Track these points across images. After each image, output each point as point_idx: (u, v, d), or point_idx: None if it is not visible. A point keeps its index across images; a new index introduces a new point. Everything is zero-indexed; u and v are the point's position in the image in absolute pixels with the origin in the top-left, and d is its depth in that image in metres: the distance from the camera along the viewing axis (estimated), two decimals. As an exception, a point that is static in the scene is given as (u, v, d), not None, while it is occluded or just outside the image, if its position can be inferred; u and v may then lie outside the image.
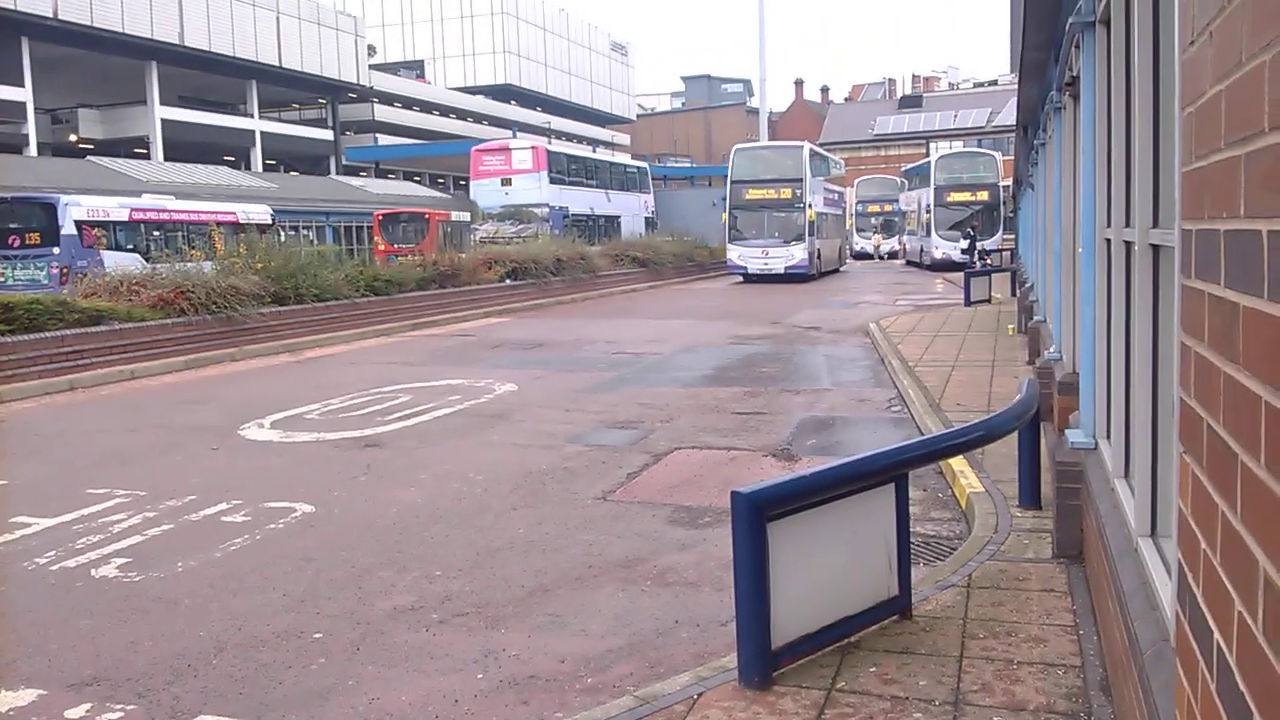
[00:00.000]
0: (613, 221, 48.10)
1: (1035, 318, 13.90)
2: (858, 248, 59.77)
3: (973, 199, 43.87)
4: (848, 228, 60.67)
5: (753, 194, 39.69)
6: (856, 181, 63.50)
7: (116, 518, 7.54)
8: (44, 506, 7.82)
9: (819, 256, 40.39)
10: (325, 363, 17.33)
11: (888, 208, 61.00)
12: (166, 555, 6.66)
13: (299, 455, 9.85)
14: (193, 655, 5.08)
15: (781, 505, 4.29)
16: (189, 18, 47.56)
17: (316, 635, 5.32)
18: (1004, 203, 43.86)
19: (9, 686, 4.75)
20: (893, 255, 58.95)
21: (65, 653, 5.14)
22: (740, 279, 39.61)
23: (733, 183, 40.24)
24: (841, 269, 46.88)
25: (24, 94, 41.71)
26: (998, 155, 46.89)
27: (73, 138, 49.72)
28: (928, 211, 45.05)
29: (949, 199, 44.08)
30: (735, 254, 39.51)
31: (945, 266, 41.80)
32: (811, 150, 41.83)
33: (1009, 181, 42.09)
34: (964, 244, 39.96)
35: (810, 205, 38.88)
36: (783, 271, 38.14)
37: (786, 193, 39.41)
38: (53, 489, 8.40)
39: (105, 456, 9.90)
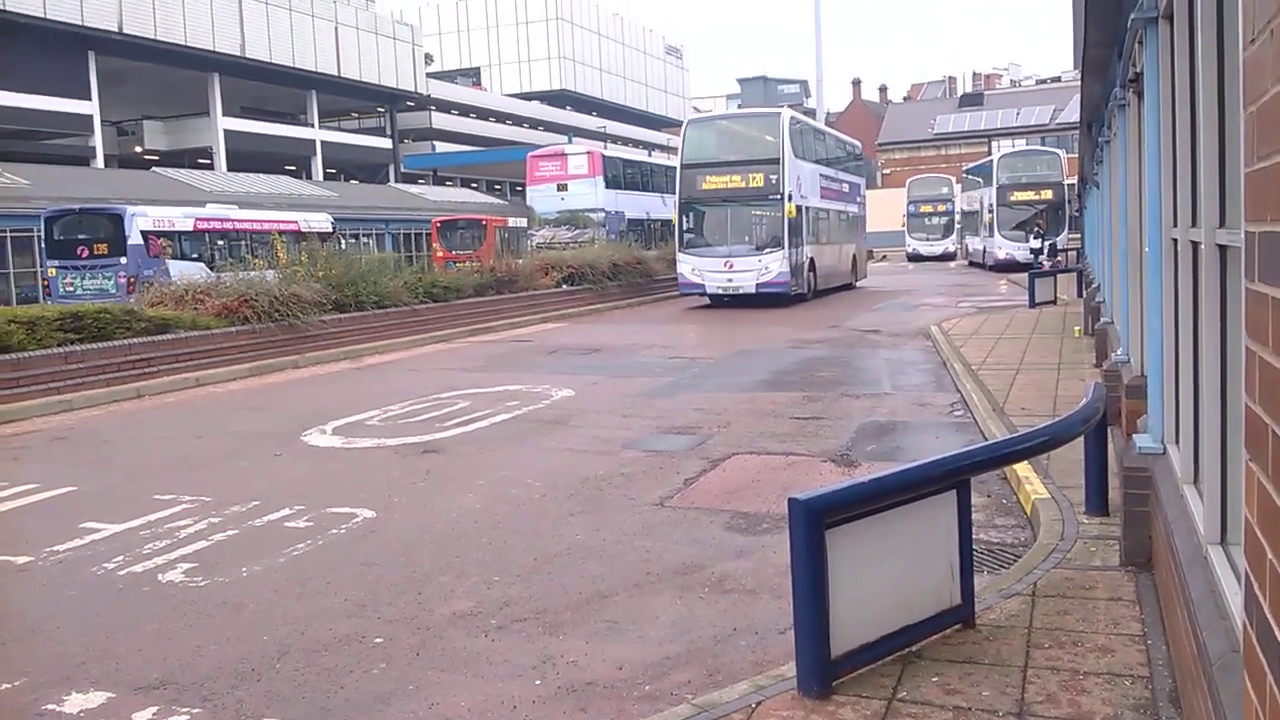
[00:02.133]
0: (668, 225, 48.03)
1: (1102, 319, 13.63)
2: (910, 249, 57.92)
3: (1036, 198, 43.06)
4: (901, 228, 59.58)
5: (711, 182, 28.82)
6: (909, 181, 62.47)
7: (182, 523, 7.68)
8: (112, 512, 7.98)
9: (811, 269, 29.93)
10: (385, 369, 17.53)
11: (941, 208, 58.51)
12: (231, 560, 6.77)
13: (360, 461, 9.96)
14: (256, 659, 5.15)
15: (840, 512, 4.24)
16: (250, 30, 48.41)
17: (377, 640, 5.36)
18: (1068, 201, 43.10)
19: (79, 688, 4.85)
20: (947, 256, 56.79)
21: (132, 656, 5.24)
22: (705, 301, 29.71)
23: (684, 167, 29.34)
24: (858, 283, 36.15)
25: (91, 107, 42.72)
26: (1061, 153, 46.00)
27: (138, 149, 50.81)
28: (990, 211, 44.31)
29: (1012, 198, 43.30)
30: (688, 267, 28.84)
31: (1009, 267, 41.11)
32: (794, 119, 30.24)
33: (1073, 180, 41.44)
34: (1035, 243, 39.04)
35: (791, 197, 28.05)
36: (754, 291, 27.94)
37: (757, 179, 28.44)
38: (121, 495, 8.58)
39: (172, 463, 10.09)
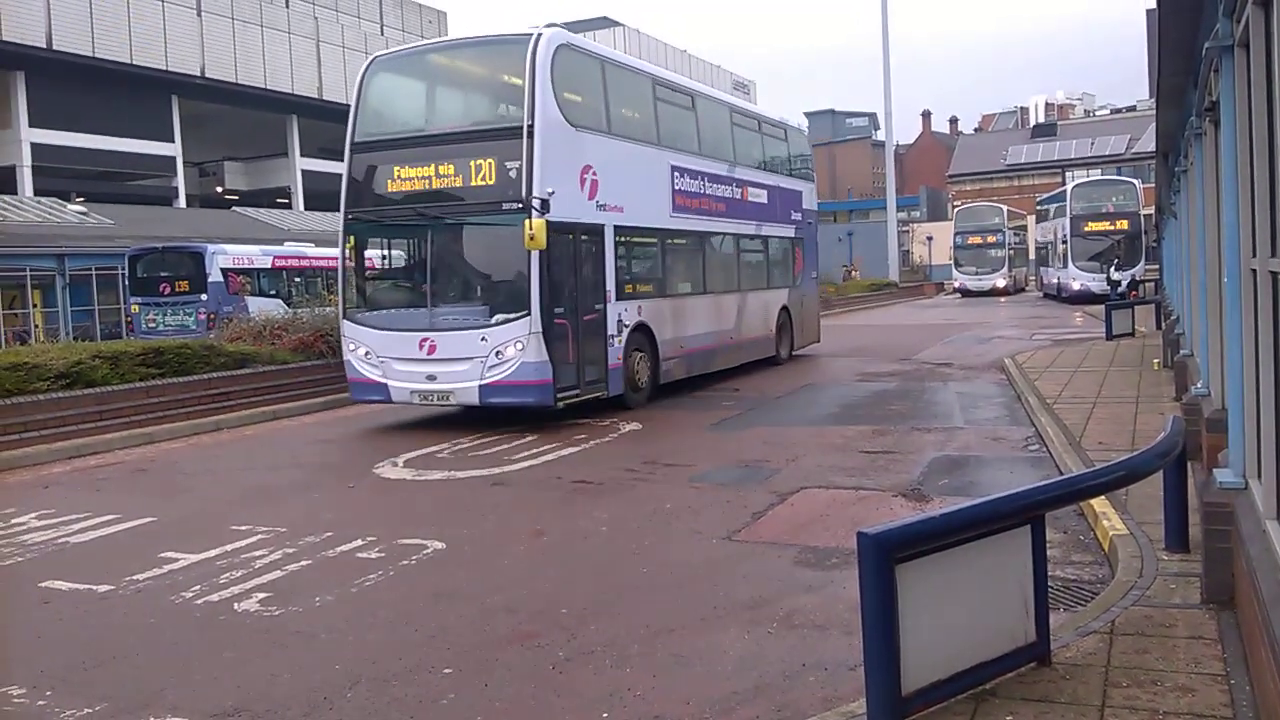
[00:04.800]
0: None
1: (1181, 351, 13.34)
2: (958, 284, 55.25)
3: (1112, 229, 42.19)
4: (948, 260, 57.36)
5: (402, 178, 14.43)
6: (955, 211, 61.27)
7: (258, 553, 7.83)
8: (190, 542, 8.16)
9: (642, 347, 15.84)
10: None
11: (991, 239, 55.18)
12: (305, 590, 6.87)
13: (430, 493, 10.07)
14: (329, 688, 5.22)
15: (910, 547, 4.19)
16: (327, 73, 49.60)
17: (446, 671, 5.40)
18: (1145, 232, 42.23)
19: (157, 714, 4.96)
20: (999, 291, 53.52)
21: (208, 684, 5.34)
22: None
23: (354, 148, 14.90)
24: (798, 351, 22.71)
25: (174, 149, 44.15)
26: (1137, 183, 45.13)
27: (219, 189, 52.21)
28: (1064, 242, 43.51)
29: (1086, 229, 42.46)
30: (359, 350, 14.49)
31: (1084, 299, 40.30)
32: (569, 48, 14.59)
33: (1150, 210, 40.66)
34: (1115, 275, 38.12)
35: (546, 206, 13.06)
36: (477, 401, 13.67)
37: (483, 170, 13.73)
38: (198, 525, 8.77)
39: (248, 494, 10.30)
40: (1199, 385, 9.13)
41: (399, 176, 14.26)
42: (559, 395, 13.50)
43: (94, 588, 7.10)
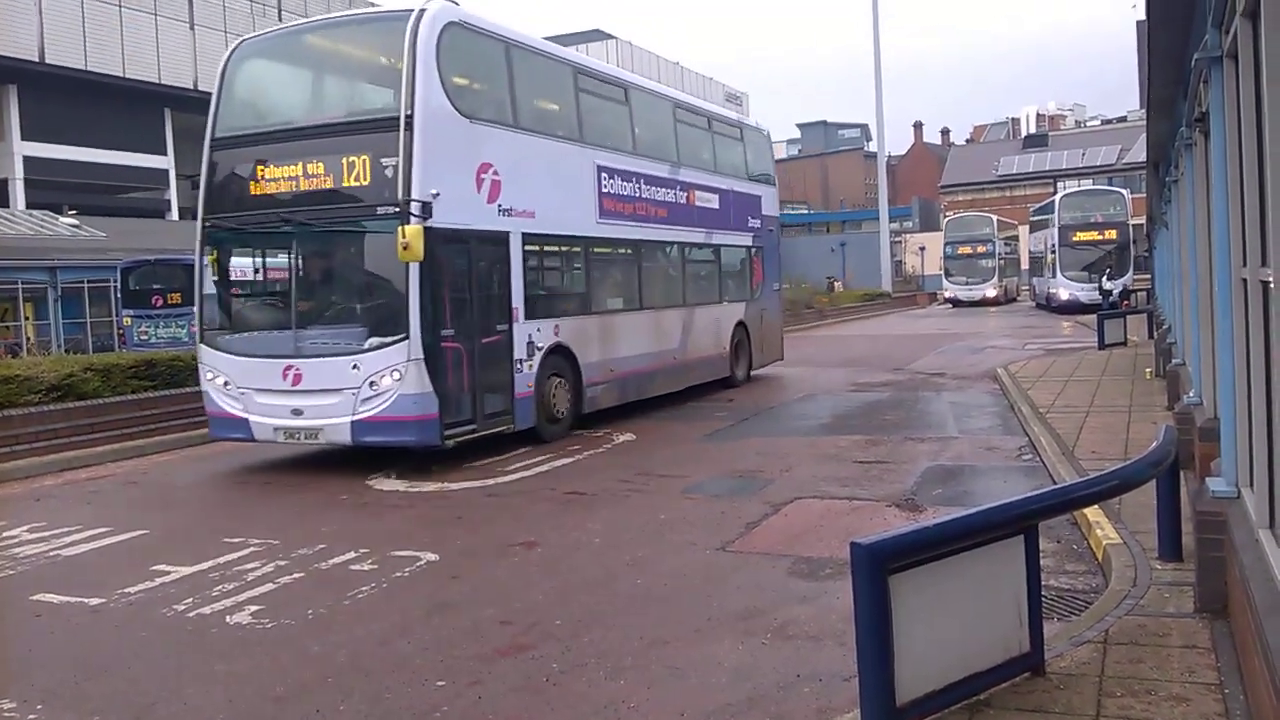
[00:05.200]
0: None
1: (1174, 361, 13.38)
2: (948, 294, 55.01)
3: (1100, 238, 42.22)
4: (940, 270, 57.25)
5: (268, 179, 12.22)
6: (946, 221, 61.20)
7: (250, 565, 7.80)
8: (182, 555, 8.13)
9: (562, 373, 13.89)
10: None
11: (981, 248, 54.58)
12: (297, 602, 6.85)
13: (424, 504, 10.05)
14: (321, 701, 5.20)
15: (904, 557, 4.19)
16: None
17: (440, 683, 5.39)
18: (1134, 242, 42.28)
19: (149, 730, 4.93)
20: (989, 301, 53.10)
21: (200, 697, 5.32)
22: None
23: (214, 144, 12.92)
24: (757, 371, 20.66)
25: (167, 162, 44.16)
26: (1126, 192, 45.19)
27: (213, 202, 52.11)
28: (1052, 252, 43.60)
29: (1074, 239, 42.46)
30: (217, 380, 12.35)
31: (1072, 309, 40.34)
32: (459, 25, 12.28)
33: (1140, 220, 40.81)
34: (1108, 284, 38.15)
35: (427, 211, 11.08)
36: (349, 440, 11.68)
37: (355, 168, 11.68)
38: (190, 538, 8.73)
39: (240, 506, 10.27)
40: (1191, 394, 9.15)
41: (264, 177, 12.13)
42: (448, 432, 11.52)
43: (86, 601, 7.07)
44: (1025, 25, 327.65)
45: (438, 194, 11.20)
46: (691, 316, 17.77)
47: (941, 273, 56.91)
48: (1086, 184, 61.42)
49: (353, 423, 11.40)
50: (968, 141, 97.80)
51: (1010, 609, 4.63)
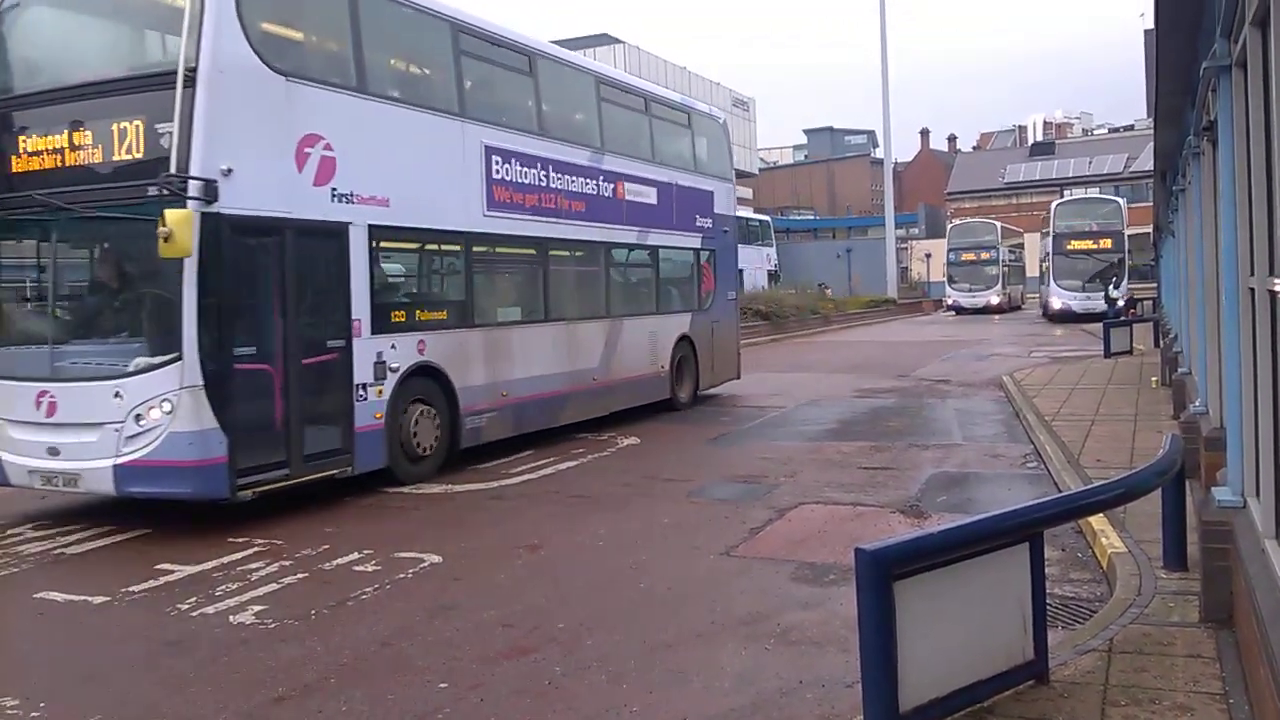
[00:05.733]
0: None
1: (1180, 369, 13.36)
2: (950, 301, 53.97)
3: (1095, 247, 41.95)
4: (939, 278, 56.67)
5: (25, 161, 9.65)
6: (949, 227, 60.75)
7: (254, 565, 7.81)
8: (186, 554, 8.14)
9: (430, 396, 11.29)
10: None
11: (985, 255, 53.32)
12: (301, 602, 6.85)
13: (428, 506, 10.05)
14: (324, 701, 5.20)
15: (908, 564, 4.18)
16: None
17: (442, 685, 5.39)
18: (1128, 251, 42.03)
19: (152, 729, 4.94)
20: (992, 309, 51.94)
21: (204, 696, 5.32)
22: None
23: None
24: (713, 390, 18.52)
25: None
26: (1122, 201, 44.94)
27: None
28: (1046, 260, 43.45)
29: (1068, 247, 42.22)
30: None
31: (1066, 318, 40.21)
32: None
33: (1147, 229, 40.67)
34: (1113, 293, 38.02)
35: (204, 190, 8.65)
36: (113, 489, 8.95)
37: (130, 130, 9.10)
38: (194, 537, 8.73)
39: (243, 506, 10.26)
40: (1197, 403, 9.13)
41: (26, 150, 9.61)
42: (244, 481, 8.97)
43: (90, 599, 7.08)
44: (1033, 33, 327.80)
45: (230, 170, 8.79)
46: (618, 330, 15.17)
47: (945, 279, 56.59)
48: (1094, 193, 61.26)
49: (115, 468, 8.76)
50: (974, 149, 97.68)
51: (1014, 616, 4.62)
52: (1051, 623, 5.35)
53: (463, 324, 11.83)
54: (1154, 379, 17.40)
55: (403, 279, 11.89)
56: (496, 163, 12.46)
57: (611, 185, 15.07)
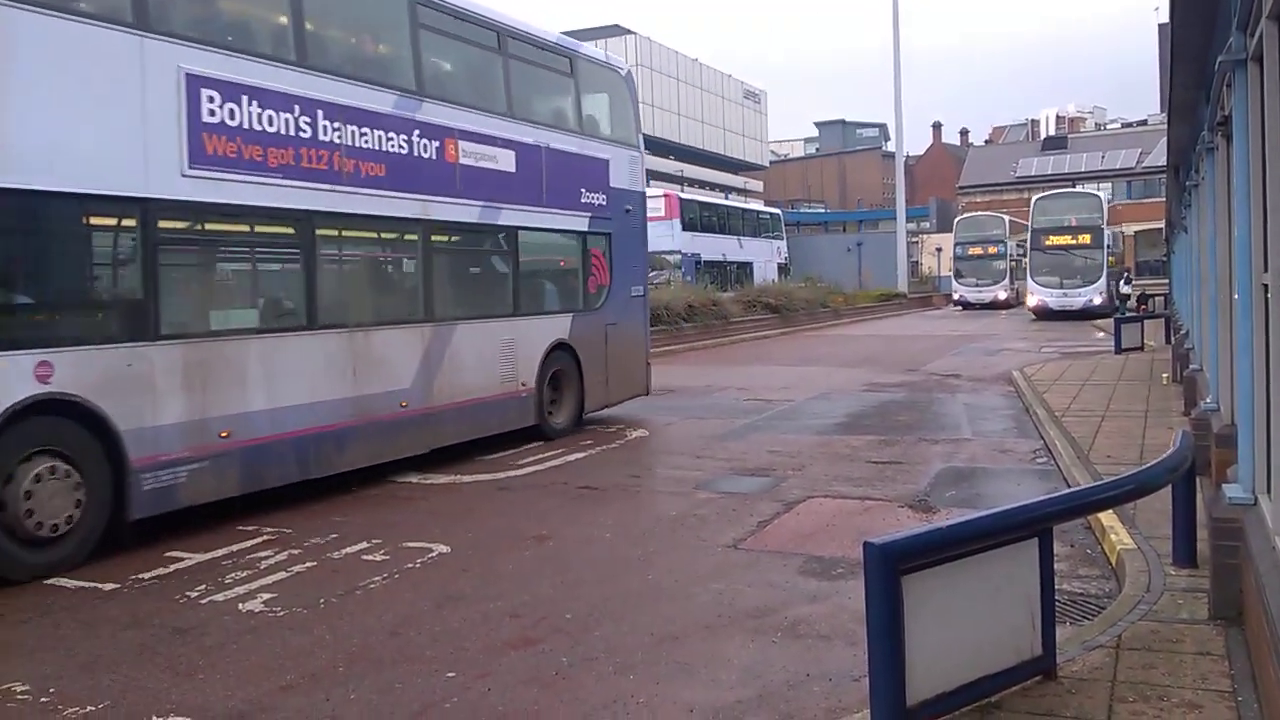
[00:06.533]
0: (745, 268, 48.11)
1: (1191, 366, 13.31)
2: (957, 296, 53.19)
3: (1073, 242, 41.53)
4: (947, 272, 56.18)
5: None
6: (955, 221, 60.23)
7: (264, 554, 7.83)
8: (196, 543, 8.17)
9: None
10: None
11: (992, 249, 52.27)
12: (309, 591, 6.87)
13: (436, 496, 10.07)
14: (331, 689, 5.22)
15: (917, 558, 4.17)
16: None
17: (449, 674, 5.40)
18: (1105, 246, 41.53)
19: (159, 714, 4.95)
20: (999, 304, 51.06)
21: (213, 683, 5.34)
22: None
23: None
24: (607, 411, 15.04)
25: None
26: (1102, 195, 44.42)
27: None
28: (1024, 256, 43.15)
29: (1046, 243, 41.79)
30: None
31: (1044, 314, 39.96)
32: None
33: (1159, 224, 40.43)
34: (1125, 289, 37.74)
35: None
36: None
37: None
38: (204, 525, 8.76)
39: (254, 495, 10.29)
40: (1208, 400, 9.10)
41: None
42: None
43: (99, 586, 7.11)
44: (1046, 27, 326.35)
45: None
46: (446, 339, 11.48)
47: (951, 274, 56.25)
48: (1106, 188, 60.90)
49: None
50: (986, 142, 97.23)
51: (1022, 612, 4.61)
52: (1060, 619, 5.34)
53: (137, 335, 8.15)
54: (1165, 375, 17.34)
55: (9, 268, 7.69)
56: (209, 100, 8.78)
57: (435, 143, 11.31)
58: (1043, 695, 4.55)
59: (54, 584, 7.17)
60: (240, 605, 6.63)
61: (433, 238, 11.46)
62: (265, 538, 8.32)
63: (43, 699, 5.17)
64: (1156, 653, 5.04)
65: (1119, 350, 23.12)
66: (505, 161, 12.47)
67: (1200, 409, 9.34)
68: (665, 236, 42.28)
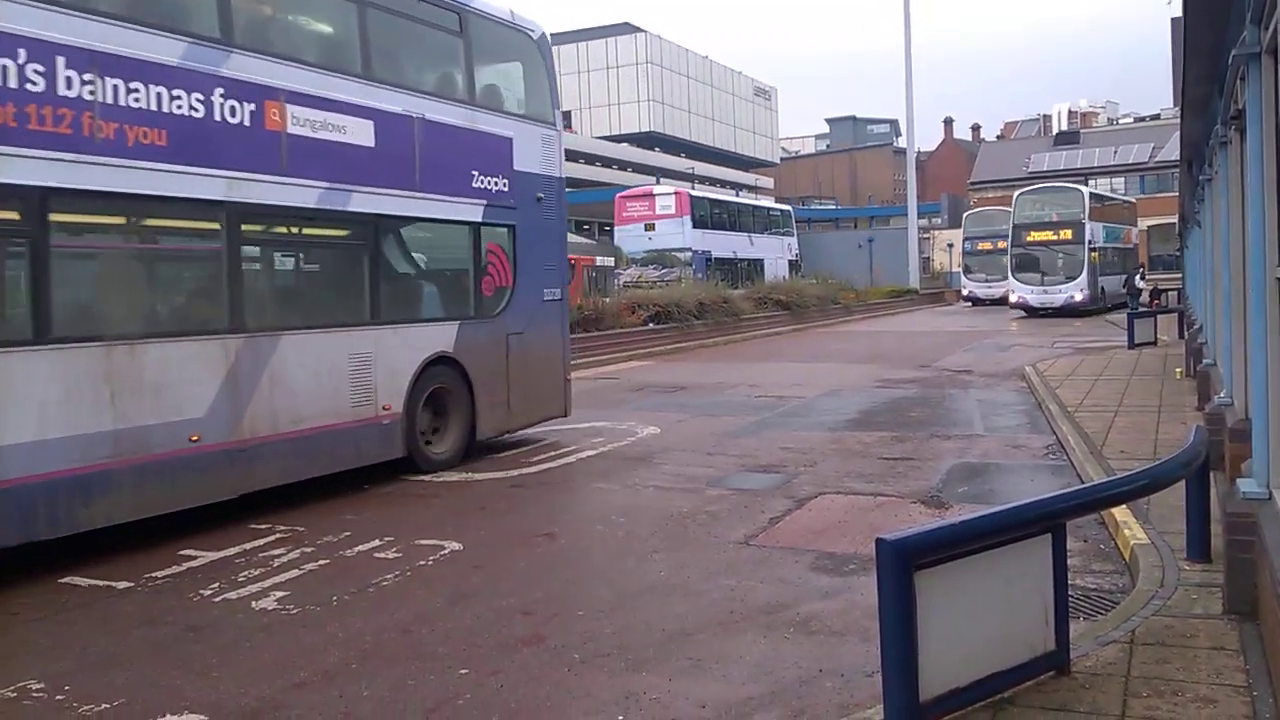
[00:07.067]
0: (756, 265, 48.04)
1: (1204, 361, 13.24)
2: (966, 291, 52.29)
3: (1054, 238, 41.13)
4: (958, 268, 55.63)
5: None
6: (965, 216, 59.64)
7: (276, 552, 7.86)
8: (209, 540, 8.20)
9: None
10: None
11: (1002, 245, 49.30)
12: (322, 589, 6.89)
13: (448, 494, 10.09)
14: (344, 686, 5.23)
15: (929, 554, 4.16)
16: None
17: (462, 671, 5.41)
18: (1087, 242, 41.00)
19: (174, 711, 4.98)
20: (1006, 301, 49.14)
21: (227, 681, 5.36)
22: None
23: None
24: (515, 434, 12.74)
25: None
26: (1084, 190, 43.56)
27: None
28: (1003, 252, 42.83)
29: (1027, 238, 41.43)
30: None
31: (1025, 310, 39.79)
32: None
33: (1172, 219, 40.18)
34: (1139, 283, 37.44)
35: None
36: None
37: None
38: (217, 523, 8.79)
39: (266, 493, 10.32)
40: (1222, 395, 9.05)
41: None
42: None
43: (114, 584, 7.14)
44: (1058, 21, 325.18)
45: None
46: (265, 354, 9.16)
47: (960, 270, 55.94)
48: (1118, 183, 60.49)
49: None
50: (998, 138, 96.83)
51: (1036, 608, 4.60)
52: (1073, 614, 5.32)
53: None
54: (1178, 370, 17.27)
55: None
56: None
57: (250, 105, 8.95)
58: (1056, 690, 4.54)
59: (68, 582, 7.20)
60: (253, 603, 6.65)
61: (244, 226, 9.02)
62: (278, 536, 8.35)
63: (58, 696, 5.19)
64: (1171, 648, 5.02)
65: (1132, 345, 23.03)
66: (359, 134, 10.06)
67: (1214, 404, 9.29)
68: (676, 234, 42.29)
